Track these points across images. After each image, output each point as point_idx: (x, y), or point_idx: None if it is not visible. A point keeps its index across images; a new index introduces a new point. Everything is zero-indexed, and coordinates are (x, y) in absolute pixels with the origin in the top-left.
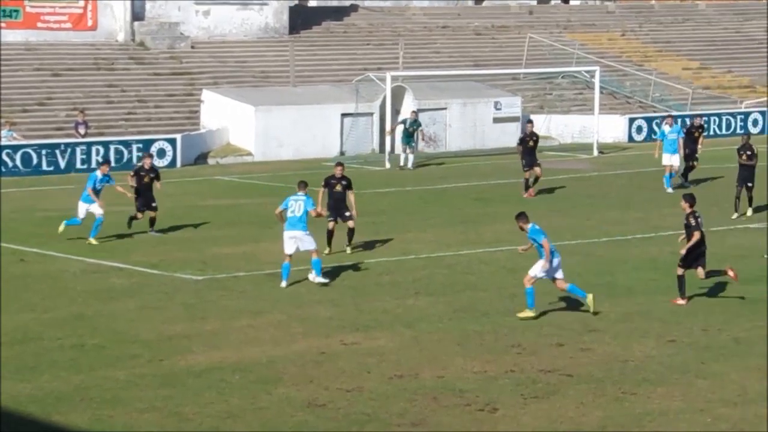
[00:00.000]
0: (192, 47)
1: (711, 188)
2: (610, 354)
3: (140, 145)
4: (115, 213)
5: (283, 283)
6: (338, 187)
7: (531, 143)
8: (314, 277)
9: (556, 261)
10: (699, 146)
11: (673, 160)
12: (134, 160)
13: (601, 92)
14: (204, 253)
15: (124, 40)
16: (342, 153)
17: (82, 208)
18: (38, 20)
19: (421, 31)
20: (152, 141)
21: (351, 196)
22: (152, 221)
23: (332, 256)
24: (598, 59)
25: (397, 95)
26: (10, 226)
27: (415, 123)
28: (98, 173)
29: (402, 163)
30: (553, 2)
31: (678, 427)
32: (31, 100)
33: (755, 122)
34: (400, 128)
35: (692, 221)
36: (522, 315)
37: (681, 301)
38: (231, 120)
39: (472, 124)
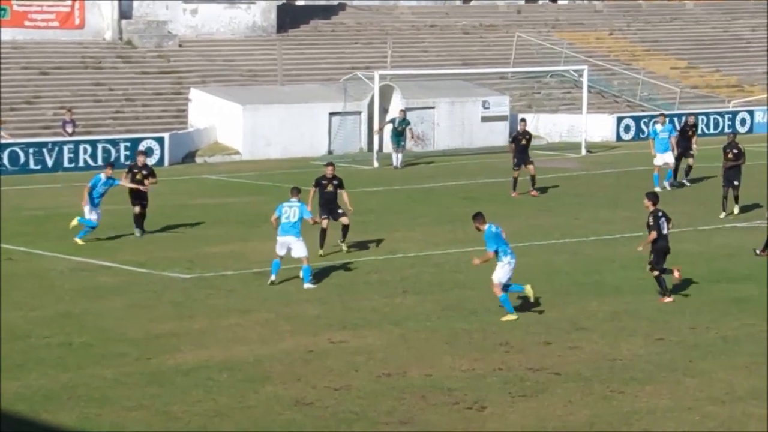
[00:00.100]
0: (180, 46)
1: (699, 187)
2: (598, 352)
3: (128, 144)
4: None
5: (273, 277)
6: (329, 188)
7: (524, 142)
8: (306, 285)
9: (514, 262)
10: (693, 145)
11: (665, 159)
12: (122, 158)
13: (589, 91)
14: (192, 252)
15: (112, 39)
16: (330, 152)
17: (88, 213)
18: (26, 19)
19: (409, 30)
20: (140, 140)
21: (344, 195)
22: (140, 218)
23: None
24: (586, 58)
25: (386, 94)
26: None
27: (404, 122)
28: (102, 176)
29: (394, 163)
30: (541, 1)
31: (666, 426)
32: (19, 99)
33: (743, 121)
34: (389, 128)
35: (650, 220)
36: (505, 318)
37: (668, 299)
38: (219, 119)
39: (460, 123)
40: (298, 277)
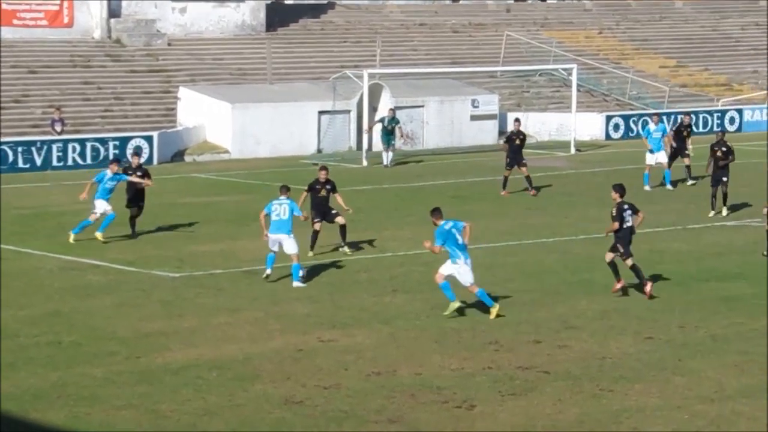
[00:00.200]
0: (168, 44)
1: (688, 186)
2: (587, 351)
3: (117, 143)
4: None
5: (268, 270)
6: (323, 192)
7: (518, 142)
8: (295, 282)
9: (469, 262)
10: (689, 145)
11: (658, 158)
12: (111, 157)
13: (579, 90)
14: (181, 251)
15: (101, 37)
16: (319, 151)
17: (101, 205)
18: (14, 17)
19: (399, 28)
20: (129, 138)
21: (338, 198)
22: (133, 222)
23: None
24: (576, 57)
25: (375, 93)
26: None
27: (394, 120)
28: (108, 172)
29: (385, 163)
30: (530, 0)
31: (655, 424)
32: (7, 98)
33: (732, 120)
34: (378, 127)
35: (614, 211)
36: (448, 312)
37: (618, 285)
38: (208, 117)
39: (449, 121)
40: (287, 276)
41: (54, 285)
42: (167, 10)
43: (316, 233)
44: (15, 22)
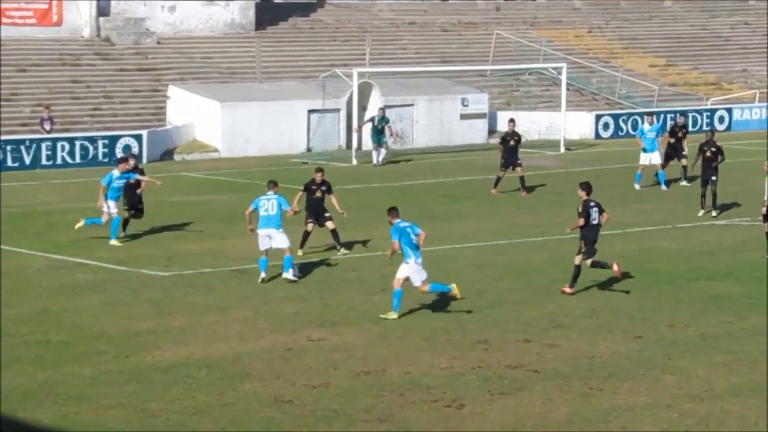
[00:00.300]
0: (158, 43)
1: (677, 185)
2: (576, 350)
3: (106, 141)
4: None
5: (263, 274)
6: (318, 193)
7: (512, 142)
8: (286, 275)
9: (420, 261)
10: (685, 146)
11: (651, 158)
12: (100, 156)
13: (568, 89)
14: (170, 250)
15: (90, 36)
16: (309, 149)
17: (110, 205)
18: (3, 15)
19: (388, 27)
20: (118, 137)
21: (333, 199)
22: (126, 222)
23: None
24: (565, 56)
25: (364, 91)
26: None
27: (384, 119)
28: (115, 171)
29: (375, 162)
30: None
31: (644, 423)
32: None
33: (721, 119)
34: (368, 126)
35: (579, 208)
36: (384, 315)
37: (568, 290)
38: (197, 116)
39: (438, 120)
40: (277, 276)
41: (42, 284)
42: (156, 8)
43: (307, 233)
44: (4, 20)
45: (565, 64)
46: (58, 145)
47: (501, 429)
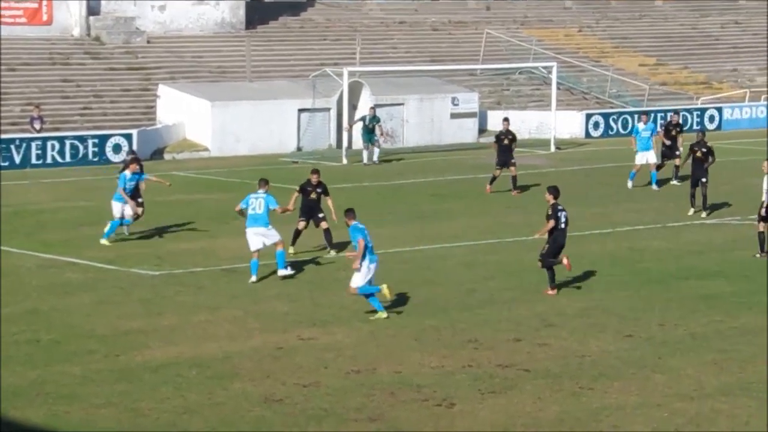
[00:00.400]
0: (148, 42)
1: (668, 184)
2: (567, 349)
3: (96, 140)
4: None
5: (253, 278)
6: (313, 195)
7: (506, 141)
8: (281, 271)
9: (373, 266)
10: (679, 144)
11: (647, 158)
12: (90, 155)
13: (558, 88)
14: (160, 249)
15: (80, 35)
16: (299, 148)
17: (117, 208)
18: None
19: (378, 26)
20: (108, 136)
21: (328, 201)
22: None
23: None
24: (555, 55)
25: (354, 91)
26: None
27: (374, 119)
28: (127, 173)
29: (366, 161)
30: None
31: (634, 422)
32: None
33: (711, 118)
34: (359, 125)
35: (549, 210)
36: (375, 317)
37: (551, 291)
38: (187, 115)
39: (429, 119)
40: (268, 275)
41: (32, 283)
42: (146, 7)
43: (298, 231)
44: None
45: (555, 64)
46: (48, 144)
47: (491, 428)
